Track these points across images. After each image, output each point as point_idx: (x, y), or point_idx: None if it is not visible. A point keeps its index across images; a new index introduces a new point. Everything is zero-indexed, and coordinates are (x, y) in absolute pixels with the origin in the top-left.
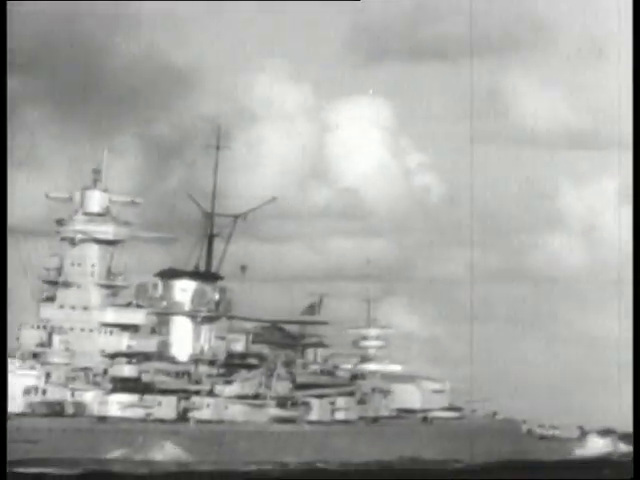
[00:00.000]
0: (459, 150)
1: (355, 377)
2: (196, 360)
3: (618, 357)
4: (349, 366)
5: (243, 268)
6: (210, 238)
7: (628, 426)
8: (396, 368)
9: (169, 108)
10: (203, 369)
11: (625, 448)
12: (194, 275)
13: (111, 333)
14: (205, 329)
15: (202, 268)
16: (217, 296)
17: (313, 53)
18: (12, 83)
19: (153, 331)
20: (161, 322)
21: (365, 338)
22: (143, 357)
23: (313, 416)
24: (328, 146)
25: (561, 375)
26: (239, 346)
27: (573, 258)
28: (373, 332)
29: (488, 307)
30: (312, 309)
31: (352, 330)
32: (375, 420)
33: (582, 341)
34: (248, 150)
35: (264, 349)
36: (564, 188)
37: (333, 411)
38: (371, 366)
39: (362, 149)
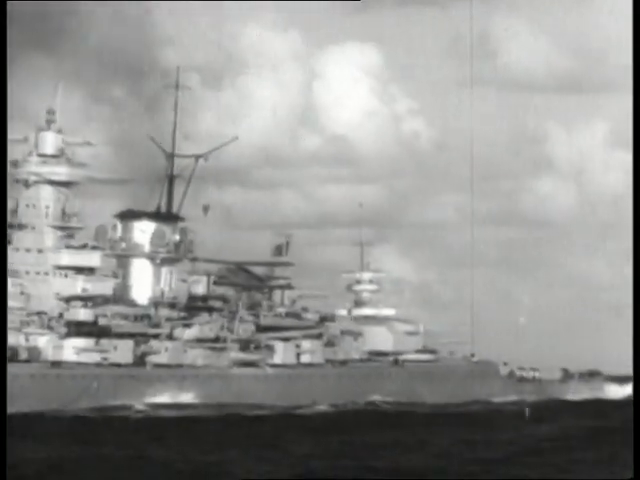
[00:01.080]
0: (448, 96)
1: (325, 319)
2: (156, 303)
3: (608, 299)
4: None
5: (205, 208)
6: (170, 179)
7: (616, 368)
8: (390, 312)
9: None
10: (163, 312)
11: (612, 390)
12: (153, 216)
13: (66, 276)
14: (165, 271)
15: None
16: (177, 237)
17: (302, 1)
18: None
19: (114, 275)
20: (120, 264)
21: (359, 282)
22: (102, 300)
23: (277, 359)
24: (317, 94)
25: (550, 318)
26: (200, 288)
27: (563, 202)
28: (366, 276)
29: (479, 251)
30: (279, 250)
31: (346, 274)
32: (343, 363)
33: (572, 284)
34: (237, 98)
35: (227, 291)
36: (554, 132)
37: (298, 354)
38: (365, 310)
39: (351, 96)
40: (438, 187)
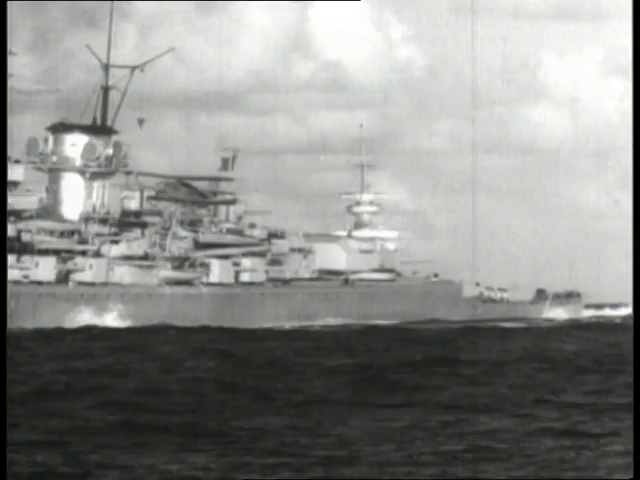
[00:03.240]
0: (442, 22)
1: (274, 236)
2: (87, 218)
3: (601, 227)
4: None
5: (140, 121)
6: (105, 90)
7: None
8: (392, 234)
9: None
10: (93, 228)
11: (587, 313)
12: (85, 129)
13: None
14: (97, 186)
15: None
16: (110, 151)
17: None
18: None
19: (47, 190)
20: (52, 179)
21: (359, 204)
22: (28, 215)
23: (213, 278)
24: (310, 19)
25: (542, 244)
26: (133, 204)
27: (557, 129)
28: (366, 197)
29: (471, 179)
30: (226, 165)
31: (345, 196)
32: (286, 282)
33: (565, 211)
34: (228, 24)
35: (165, 206)
36: (547, 59)
37: (238, 273)
38: (365, 232)
39: (344, 22)
40: (432, 114)
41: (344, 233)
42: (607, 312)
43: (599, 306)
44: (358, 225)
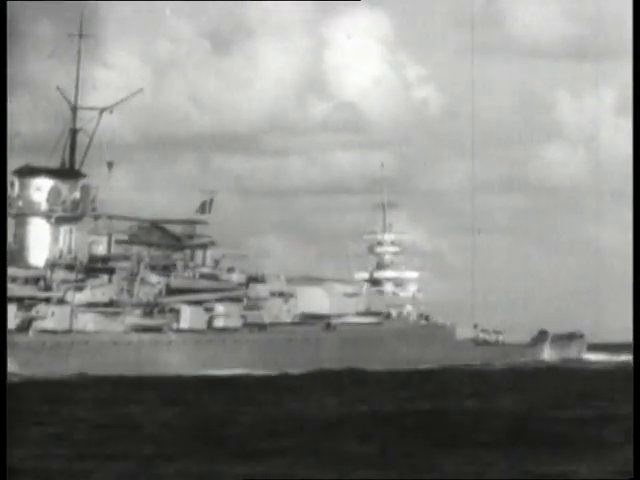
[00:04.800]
0: (457, 62)
1: (253, 280)
2: (53, 265)
3: (616, 266)
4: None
5: (110, 164)
6: (73, 132)
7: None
8: (413, 275)
9: None
10: (59, 274)
11: (591, 357)
12: (51, 172)
13: None
14: (64, 231)
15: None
16: (78, 195)
17: None
18: None
19: (14, 235)
20: (18, 224)
21: (380, 244)
22: None
23: (183, 324)
24: (326, 59)
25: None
26: (101, 248)
27: (572, 168)
28: (388, 237)
29: (487, 218)
30: (203, 208)
31: (367, 236)
32: (263, 327)
33: (580, 250)
34: (246, 64)
35: (135, 251)
36: (563, 99)
37: (211, 318)
38: (387, 273)
39: (360, 62)
40: (447, 154)
41: (365, 274)
42: (610, 357)
43: (609, 346)
44: (380, 266)
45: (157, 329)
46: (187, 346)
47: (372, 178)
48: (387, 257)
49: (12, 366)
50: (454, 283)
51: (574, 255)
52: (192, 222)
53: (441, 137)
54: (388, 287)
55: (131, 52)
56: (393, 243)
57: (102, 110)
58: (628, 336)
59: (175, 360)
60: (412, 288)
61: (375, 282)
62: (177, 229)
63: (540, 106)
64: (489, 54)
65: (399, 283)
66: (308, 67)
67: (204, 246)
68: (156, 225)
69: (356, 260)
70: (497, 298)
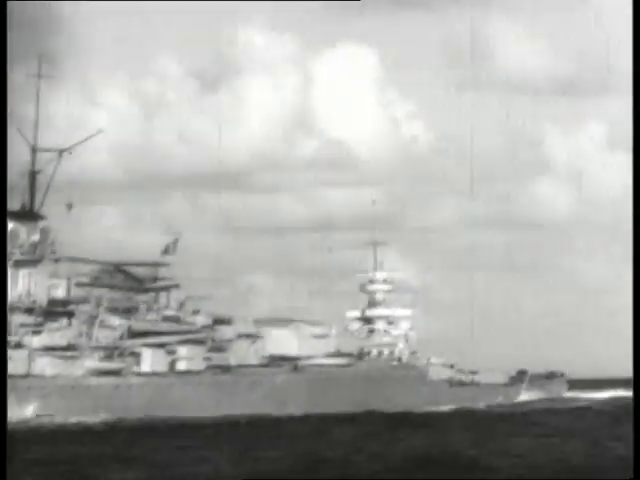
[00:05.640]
0: (445, 98)
1: (219, 322)
2: (11, 308)
3: (606, 302)
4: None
5: (69, 206)
6: (32, 174)
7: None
8: (405, 312)
9: None
10: (18, 318)
11: (570, 396)
12: (10, 215)
13: None
14: (23, 274)
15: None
16: (37, 237)
17: (297, 3)
18: None
19: None
20: None
21: (372, 282)
22: None
23: (144, 367)
24: (314, 96)
25: (548, 320)
26: (60, 292)
27: (561, 204)
28: (380, 275)
29: (478, 255)
30: (167, 250)
31: (359, 274)
32: (227, 370)
33: (571, 287)
34: (233, 102)
35: (90, 293)
36: (551, 134)
37: (174, 361)
38: (379, 310)
39: (349, 99)
40: (436, 190)
41: (357, 313)
42: (591, 394)
43: (594, 382)
44: (372, 304)
45: (116, 372)
46: (148, 389)
47: (362, 215)
48: (379, 295)
49: None
50: (442, 320)
51: (563, 291)
52: (155, 264)
53: (430, 174)
54: (380, 325)
55: (121, 91)
56: (385, 281)
57: (61, 151)
58: (611, 372)
59: (136, 404)
60: (404, 326)
61: (367, 320)
62: (140, 271)
63: (529, 142)
64: (478, 90)
65: (391, 321)
66: (296, 104)
67: (166, 288)
68: (118, 268)
69: (347, 298)
70: (482, 335)
